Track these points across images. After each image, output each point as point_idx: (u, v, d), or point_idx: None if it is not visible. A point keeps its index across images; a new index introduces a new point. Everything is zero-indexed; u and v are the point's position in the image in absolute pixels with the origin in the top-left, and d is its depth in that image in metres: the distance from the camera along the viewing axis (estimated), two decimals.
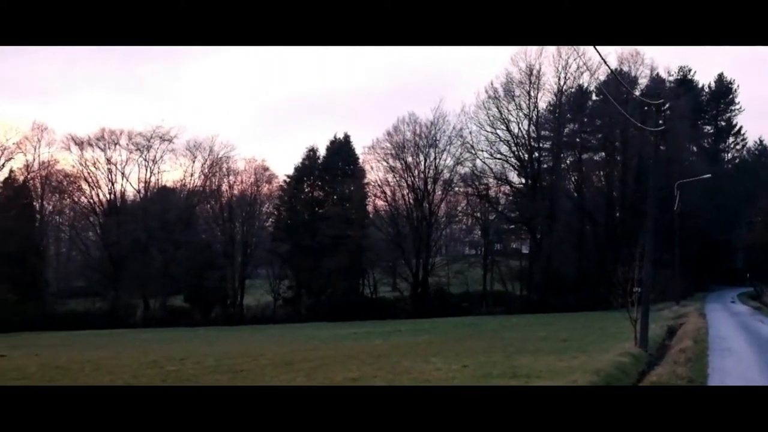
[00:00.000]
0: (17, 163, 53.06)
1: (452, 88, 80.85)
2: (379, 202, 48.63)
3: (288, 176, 49.62)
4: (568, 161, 47.56)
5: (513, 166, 44.43)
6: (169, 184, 53.54)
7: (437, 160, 45.36)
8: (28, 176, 52.80)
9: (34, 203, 53.28)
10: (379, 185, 47.14)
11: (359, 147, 48.95)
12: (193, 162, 51.40)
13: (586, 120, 46.48)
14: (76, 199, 53.14)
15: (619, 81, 34.95)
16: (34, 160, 52.65)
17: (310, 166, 48.84)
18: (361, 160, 48.16)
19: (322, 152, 48.63)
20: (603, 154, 46.68)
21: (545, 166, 46.37)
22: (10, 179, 52.79)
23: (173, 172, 56.96)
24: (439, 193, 46.33)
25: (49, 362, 17.86)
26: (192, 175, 51.67)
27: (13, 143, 52.39)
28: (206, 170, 50.86)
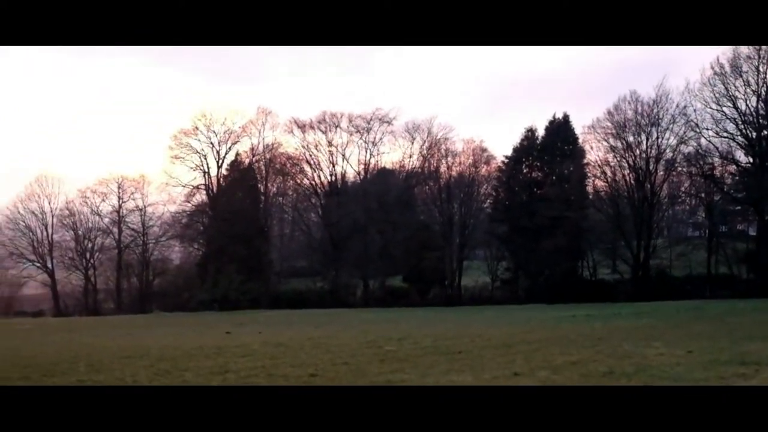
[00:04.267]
0: (243, 147, 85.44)
1: (675, 65, 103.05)
2: (599, 183, 72.61)
3: (506, 157, 75.72)
4: None
5: (740, 144, 65.25)
6: (388, 165, 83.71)
7: (659, 140, 68.09)
8: (253, 159, 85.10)
9: (259, 185, 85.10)
10: (598, 165, 71.46)
11: (579, 127, 72.92)
12: (412, 143, 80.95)
13: None
14: (298, 181, 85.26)
15: None
16: (258, 143, 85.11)
17: (528, 146, 74.93)
18: (580, 140, 72.25)
19: (540, 132, 74.27)
20: None
21: None
22: (237, 162, 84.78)
23: (392, 154, 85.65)
24: (661, 173, 68.67)
25: (272, 339, 25.51)
26: (411, 156, 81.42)
27: (239, 127, 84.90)
28: (425, 151, 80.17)
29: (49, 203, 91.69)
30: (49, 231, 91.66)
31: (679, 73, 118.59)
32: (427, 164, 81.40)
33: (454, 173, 79.71)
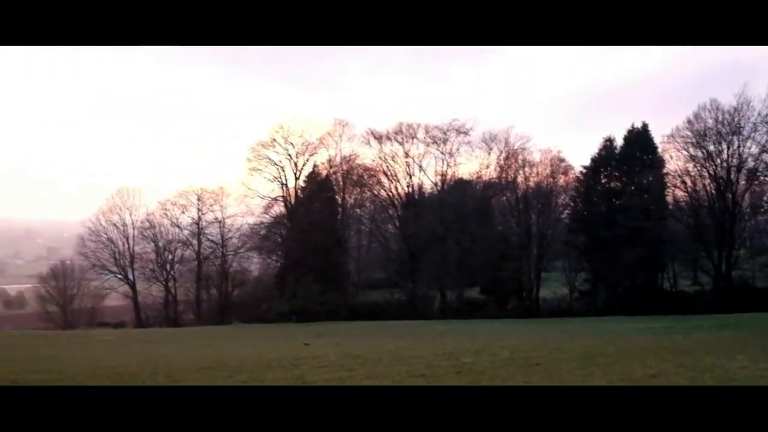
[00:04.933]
0: (320, 158, 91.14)
1: (757, 72, 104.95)
2: (679, 193, 76.26)
3: (584, 167, 79.63)
4: None
5: None
6: (465, 176, 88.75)
7: (741, 148, 71.35)
8: (331, 171, 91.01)
9: (336, 197, 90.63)
10: (678, 175, 75.01)
11: (658, 136, 76.58)
12: (489, 154, 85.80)
13: None
14: (375, 192, 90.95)
15: None
16: (336, 154, 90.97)
17: (606, 156, 78.96)
18: (659, 150, 75.82)
19: (619, 142, 78.31)
20: None
21: None
22: (314, 174, 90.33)
23: (469, 164, 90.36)
24: (743, 182, 71.95)
25: (350, 351, 26.36)
26: (488, 166, 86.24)
27: (317, 139, 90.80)
28: (502, 162, 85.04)
29: (131, 215, 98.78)
30: (131, 243, 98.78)
31: (762, 81, 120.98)
32: (504, 175, 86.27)
33: (531, 184, 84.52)
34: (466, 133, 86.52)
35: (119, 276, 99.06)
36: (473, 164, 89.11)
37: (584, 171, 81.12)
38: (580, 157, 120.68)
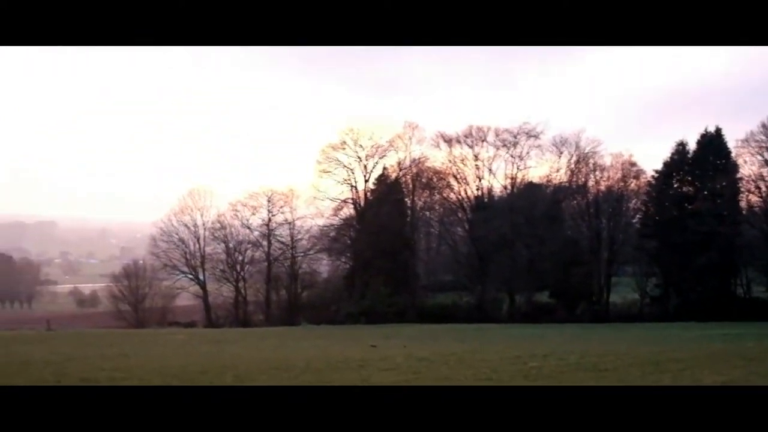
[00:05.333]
0: (390, 161, 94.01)
1: None
2: (753, 198, 78.15)
3: (656, 171, 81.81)
4: None
5: None
6: (535, 179, 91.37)
7: None
8: (400, 173, 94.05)
9: (406, 199, 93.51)
10: (752, 180, 76.75)
11: (731, 140, 78.54)
12: (559, 157, 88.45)
13: None
14: (445, 195, 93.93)
15: None
16: (405, 157, 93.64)
17: (679, 161, 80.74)
18: (733, 154, 77.84)
19: (692, 146, 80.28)
20: None
21: None
22: (384, 176, 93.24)
23: (539, 168, 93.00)
24: None
25: (416, 353, 27.27)
26: (558, 170, 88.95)
27: (386, 141, 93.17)
28: (572, 166, 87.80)
29: (202, 216, 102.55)
30: (201, 244, 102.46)
31: None
32: (574, 178, 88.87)
33: (602, 188, 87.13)
34: (536, 137, 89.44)
35: (190, 276, 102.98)
36: (543, 168, 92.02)
37: (656, 175, 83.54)
38: (652, 161, 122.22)
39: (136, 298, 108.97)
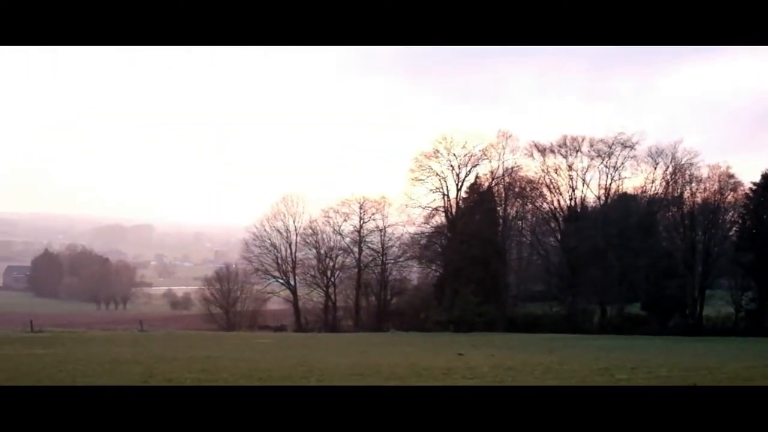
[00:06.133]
0: (483, 170, 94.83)
1: None
2: None
3: (754, 184, 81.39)
4: None
5: None
6: (630, 190, 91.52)
7: None
8: (493, 182, 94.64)
9: (498, 208, 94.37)
10: None
11: None
12: (655, 168, 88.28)
13: None
14: (537, 205, 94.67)
15: None
16: (498, 166, 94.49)
17: None
18: None
19: None
20: None
21: None
22: (476, 185, 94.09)
23: (634, 179, 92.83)
24: None
25: (503, 363, 27.34)
26: (653, 181, 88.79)
27: (479, 150, 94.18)
28: (668, 177, 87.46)
29: (294, 222, 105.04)
30: (293, 249, 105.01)
31: None
32: (670, 190, 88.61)
33: (698, 199, 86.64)
34: (632, 147, 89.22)
35: (281, 281, 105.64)
36: (638, 179, 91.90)
37: (754, 187, 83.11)
38: (750, 173, 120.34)
39: (228, 301, 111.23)
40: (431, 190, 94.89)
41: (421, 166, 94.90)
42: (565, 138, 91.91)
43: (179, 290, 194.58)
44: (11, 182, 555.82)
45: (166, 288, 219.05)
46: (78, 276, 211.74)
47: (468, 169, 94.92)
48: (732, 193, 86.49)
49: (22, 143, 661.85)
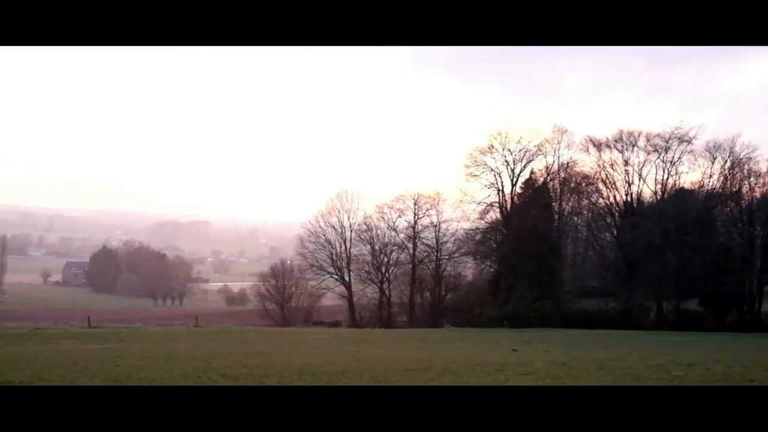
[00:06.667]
0: (538, 165, 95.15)
1: None
2: None
3: None
4: None
5: None
6: (687, 185, 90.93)
7: None
8: (548, 177, 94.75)
9: (553, 204, 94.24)
10: None
11: None
12: (712, 163, 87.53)
13: None
14: (593, 201, 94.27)
15: None
16: (553, 162, 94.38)
17: None
18: None
19: None
20: None
21: None
22: (531, 180, 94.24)
23: (691, 174, 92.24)
24: None
25: (557, 359, 27.12)
26: (711, 176, 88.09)
27: (535, 146, 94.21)
28: (726, 172, 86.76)
29: (348, 218, 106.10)
30: (348, 245, 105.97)
31: None
32: (728, 185, 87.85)
33: (757, 194, 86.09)
34: (689, 142, 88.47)
35: (336, 277, 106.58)
36: (695, 173, 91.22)
37: None
38: None
39: (283, 297, 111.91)
40: (486, 185, 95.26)
41: (475, 161, 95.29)
42: (621, 133, 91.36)
43: (235, 286, 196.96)
44: (70, 181, 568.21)
45: (221, 284, 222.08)
46: (135, 272, 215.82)
47: (523, 164, 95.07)
48: None
49: (83, 144, 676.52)
